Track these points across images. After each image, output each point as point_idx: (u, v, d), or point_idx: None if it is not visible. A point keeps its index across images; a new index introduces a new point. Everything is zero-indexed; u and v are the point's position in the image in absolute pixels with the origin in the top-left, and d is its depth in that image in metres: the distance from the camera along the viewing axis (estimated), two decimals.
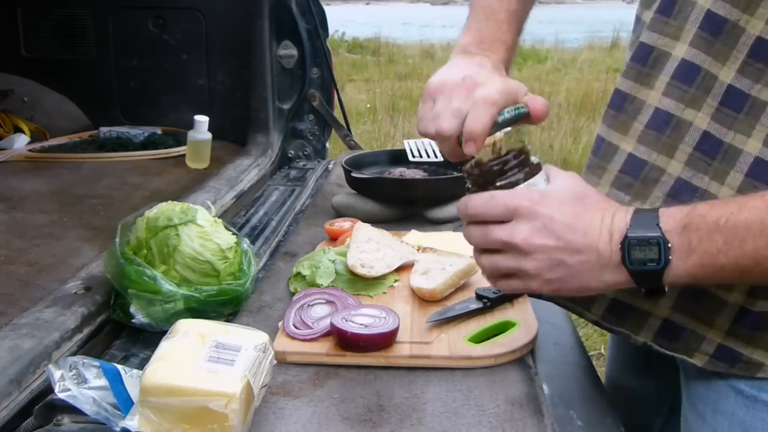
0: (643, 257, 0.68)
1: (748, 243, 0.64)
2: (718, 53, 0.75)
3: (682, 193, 0.77)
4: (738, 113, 0.73)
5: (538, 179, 0.77)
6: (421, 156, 1.74)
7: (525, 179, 0.76)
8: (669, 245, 0.66)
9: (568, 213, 0.71)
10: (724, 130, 0.74)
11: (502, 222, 0.73)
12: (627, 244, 0.68)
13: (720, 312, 0.78)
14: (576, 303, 0.88)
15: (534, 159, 0.78)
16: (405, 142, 1.80)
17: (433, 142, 1.78)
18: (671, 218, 0.68)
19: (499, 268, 0.75)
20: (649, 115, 0.80)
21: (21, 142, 2.28)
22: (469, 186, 0.79)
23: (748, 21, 0.72)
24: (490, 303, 1.05)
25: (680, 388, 0.92)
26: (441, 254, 1.21)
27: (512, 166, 0.77)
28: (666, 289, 0.70)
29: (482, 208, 0.74)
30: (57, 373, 0.80)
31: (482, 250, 0.76)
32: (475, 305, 1.05)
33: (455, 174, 1.71)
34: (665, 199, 0.78)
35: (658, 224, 0.68)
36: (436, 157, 1.73)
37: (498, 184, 0.76)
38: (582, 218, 0.71)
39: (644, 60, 0.81)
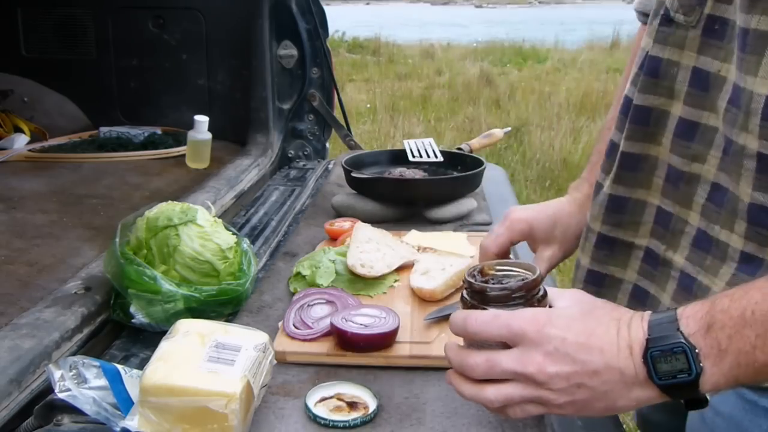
0: (672, 369, 0.61)
1: None
2: (712, 106, 0.75)
3: (702, 242, 0.76)
4: (727, 161, 0.73)
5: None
6: (421, 156, 1.74)
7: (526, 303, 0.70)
8: (697, 351, 0.60)
9: (580, 330, 0.65)
10: (727, 179, 0.73)
11: (505, 345, 0.67)
12: (650, 357, 0.61)
13: None
14: None
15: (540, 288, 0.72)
16: (405, 142, 1.80)
17: (433, 142, 1.78)
18: (692, 319, 0.62)
19: (513, 399, 0.67)
20: (664, 170, 0.81)
21: (21, 142, 2.28)
22: (467, 297, 0.72)
23: (729, 69, 0.73)
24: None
25: None
26: (441, 254, 1.21)
27: (516, 288, 0.70)
28: (708, 398, 0.63)
29: (483, 327, 0.67)
30: (57, 373, 0.80)
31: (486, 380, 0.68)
32: None
33: (455, 174, 1.71)
34: (690, 248, 0.78)
35: (679, 329, 0.61)
36: (436, 156, 1.73)
37: (495, 302, 0.70)
38: (596, 334, 0.65)
39: (645, 120, 0.83)
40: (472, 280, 0.72)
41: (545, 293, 0.72)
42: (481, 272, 0.74)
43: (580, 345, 0.64)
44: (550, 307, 0.71)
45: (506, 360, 0.66)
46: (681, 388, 0.61)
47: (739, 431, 0.76)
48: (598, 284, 0.91)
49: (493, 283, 0.72)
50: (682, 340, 0.61)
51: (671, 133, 0.80)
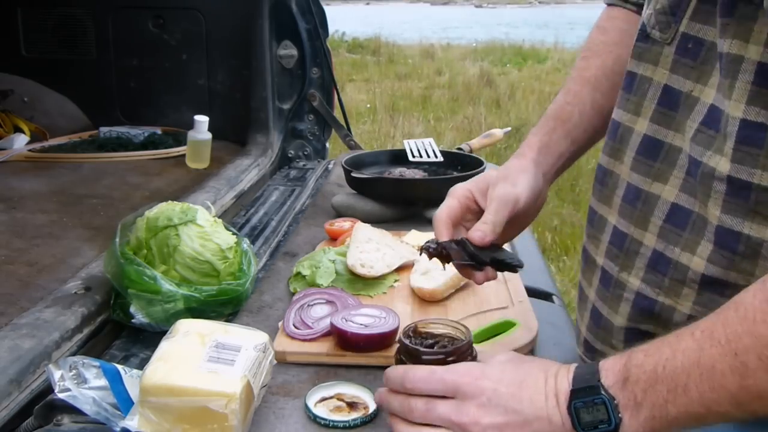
0: (593, 419, 0.64)
1: (692, 390, 0.60)
2: (678, 126, 0.75)
3: (659, 264, 0.76)
4: (691, 182, 0.73)
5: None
6: (421, 156, 1.74)
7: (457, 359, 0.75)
8: (615, 402, 0.63)
9: (512, 382, 0.69)
10: (691, 200, 0.73)
11: (443, 396, 0.70)
12: (574, 408, 0.65)
13: None
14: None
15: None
16: (405, 142, 1.80)
17: (433, 142, 1.78)
18: (611, 372, 0.65)
19: None
20: (623, 189, 0.81)
21: (21, 142, 2.28)
22: (402, 358, 0.78)
23: (702, 90, 0.72)
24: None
25: None
26: None
27: (449, 353, 0.76)
28: None
29: (422, 383, 0.71)
30: (57, 373, 0.80)
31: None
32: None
33: (455, 174, 1.71)
34: (646, 269, 0.78)
35: (599, 380, 0.65)
36: (436, 156, 1.73)
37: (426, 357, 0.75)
38: (525, 384, 0.68)
39: (614, 135, 0.83)
40: (408, 342, 0.77)
41: (476, 354, 0.77)
42: (415, 331, 0.80)
43: (511, 395, 0.68)
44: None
45: (443, 408, 0.70)
46: None
47: None
48: (579, 297, 0.93)
49: (427, 344, 0.77)
50: (602, 393, 0.64)
51: (633, 151, 0.80)
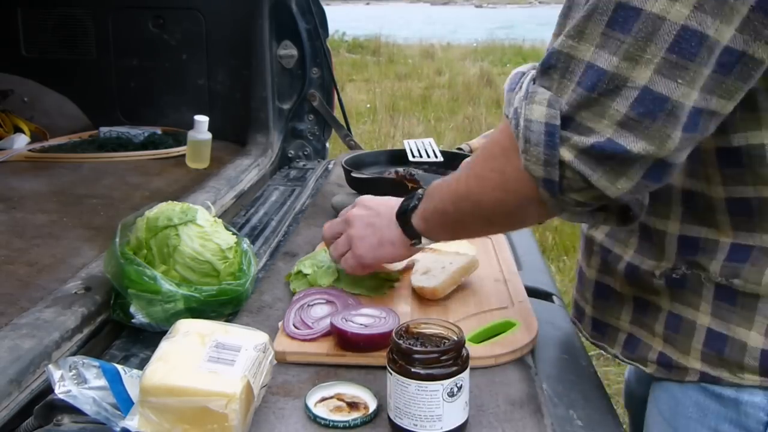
0: (406, 205, 1.00)
1: (435, 197, 0.96)
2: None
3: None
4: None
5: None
6: (421, 156, 1.74)
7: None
8: (417, 201, 0.99)
9: (380, 201, 1.07)
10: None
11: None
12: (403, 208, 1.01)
13: (658, 318, 0.89)
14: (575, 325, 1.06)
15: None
16: (405, 142, 1.80)
17: (433, 142, 1.78)
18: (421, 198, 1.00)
19: (338, 242, 1.09)
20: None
21: (21, 142, 2.28)
22: (394, 357, 0.79)
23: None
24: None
25: None
26: (441, 253, 1.21)
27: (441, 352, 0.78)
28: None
29: (328, 230, 1.12)
30: (57, 373, 0.80)
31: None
32: None
33: None
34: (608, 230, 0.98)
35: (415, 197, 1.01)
36: (436, 156, 1.73)
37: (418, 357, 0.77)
38: (390, 203, 1.05)
39: None
40: (401, 342, 0.78)
41: (468, 354, 0.80)
42: (407, 331, 0.82)
43: (378, 202, 1.06)
44: (466, 367, 0.79)
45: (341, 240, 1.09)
46: (405, 212, 0.99)
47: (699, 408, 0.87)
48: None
49: (419, 344, 0.79)
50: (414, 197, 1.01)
51: None
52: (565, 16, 0.87)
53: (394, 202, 1.03)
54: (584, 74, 0.71)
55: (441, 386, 0.76)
